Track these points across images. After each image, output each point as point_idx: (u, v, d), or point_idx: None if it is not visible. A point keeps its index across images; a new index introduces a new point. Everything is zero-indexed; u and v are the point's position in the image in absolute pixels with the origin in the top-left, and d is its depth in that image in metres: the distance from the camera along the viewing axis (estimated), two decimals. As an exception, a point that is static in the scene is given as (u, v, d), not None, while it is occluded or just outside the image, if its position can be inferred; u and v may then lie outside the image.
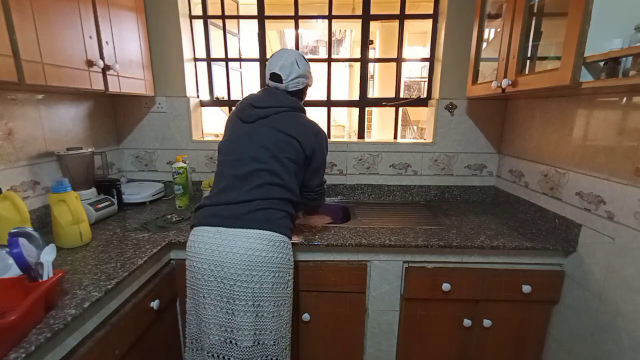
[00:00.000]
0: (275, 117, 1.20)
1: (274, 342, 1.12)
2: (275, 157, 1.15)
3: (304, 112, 1.31)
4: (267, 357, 1.12)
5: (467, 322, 1.44)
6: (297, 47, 2.01)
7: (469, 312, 1.44)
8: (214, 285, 1.08)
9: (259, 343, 1.10)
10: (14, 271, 0.91)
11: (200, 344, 1.14)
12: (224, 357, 1.09)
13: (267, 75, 1.26)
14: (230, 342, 1.09)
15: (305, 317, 1.45)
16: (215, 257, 1.06)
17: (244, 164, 1.14)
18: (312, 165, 1.27)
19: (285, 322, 1.16)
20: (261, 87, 1.32)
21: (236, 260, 1.05)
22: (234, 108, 1.27)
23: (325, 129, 2.12)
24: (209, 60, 2.06)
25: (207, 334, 1.10)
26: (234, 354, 1.09)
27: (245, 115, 1.20)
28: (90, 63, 1.30)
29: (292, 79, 1.23)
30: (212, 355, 1.10)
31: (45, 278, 0.87)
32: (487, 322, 1.43)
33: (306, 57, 1.31)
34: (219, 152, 1.25)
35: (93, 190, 1.54)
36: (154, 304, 1.22)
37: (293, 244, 1.36)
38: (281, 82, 1.23)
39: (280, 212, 1.14)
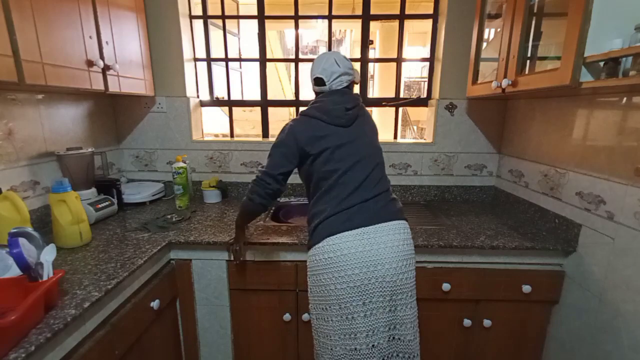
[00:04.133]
0: (360, 114, 1.24)
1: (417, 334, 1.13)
2: (379, 149, 1.25)
3: None
4: (414, 352, 1.11)
5: (467, 322, 1.44)
6: (297, 47, 2.01)
7: (469, 312, 1.44)
8: (375, 287, 1.04)
9: (416, 336, 1.11)
10: (14, 271, 0.90)
11: (357, 355, 1.07)
12: (390, 355, 1.08)
13: (311, 81, 1.28)
14: (394, 338, 1.08)
15: (305, 317, 1.44)
16: (371, 258, 1.04)
17: (366, 164, 1.16)
18: None
19: None
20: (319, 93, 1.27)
21: (392, 254, 1.05)
22: (306, 116, 1.21)
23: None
24: (209, 60, 2.06)
25: (371, 340, 1.05)
26: (401, 349, 1.09)
27: (345, 120, 1.19)
28: (90, 63, 1.30)
29: (334, 79, 1.22)
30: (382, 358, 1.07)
31: (45, 278, 0.87)
32: (487, 322, 1.43)
33: (346, 56, 1.29)
34: (318, 163, 1.16)
35: (93, 190, 1.54)
36: (154, 304, 1.22)
37: (293, 244, 1.37)
38: (324, 85, 1.23)
39: (398, 202, 1.20)
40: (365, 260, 1.03)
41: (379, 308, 1.05)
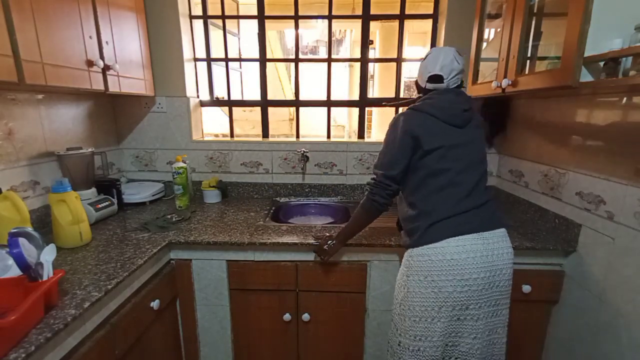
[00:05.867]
0: (474, 117, 1.19)
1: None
2: (486, 156, 1.19)
3: None
4: (503, 354, 1.14)
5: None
6: (297, 47, 2.01)
7: (469, 312, 1.44)
8: (493, 293, 1.06)
9: (505, 340, 1.12)
10: (14, 271, 0.90)
11: (454, 353, 1.11)
12: (486, 357, 1.11)
13: (425, 78, 1.19)
14: (491, 342, 1.10)
15: (305, 317, 1.45)
16: (493, 264, 1.04)
17: (475, 169, 1.13)
18: None
19: None
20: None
21: (506, 261, 1.07)
22: (418, 111, 1.15)
23: (325, 129, 2.14)
24: (209, 60, 2.06)
25: (473, 342, 1.08)
26: (495, 351, 1.11)
27: (460, 120, 1.14)
28: (90, 63, 1.30)
29: (452, 77, 1.17)
30: None
31: (45, 278, 0.88)
32: (487, 322, 1.43)
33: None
34: (430, 159, 1.11)
35: (93, 190, 1.54)
36: (154, 304, 1.22)
37: (293, 244, 1.36)
38: (442, 82, 1.17)
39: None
40: (489, 266, 1.04)
41: (489, 312, 1.07)
